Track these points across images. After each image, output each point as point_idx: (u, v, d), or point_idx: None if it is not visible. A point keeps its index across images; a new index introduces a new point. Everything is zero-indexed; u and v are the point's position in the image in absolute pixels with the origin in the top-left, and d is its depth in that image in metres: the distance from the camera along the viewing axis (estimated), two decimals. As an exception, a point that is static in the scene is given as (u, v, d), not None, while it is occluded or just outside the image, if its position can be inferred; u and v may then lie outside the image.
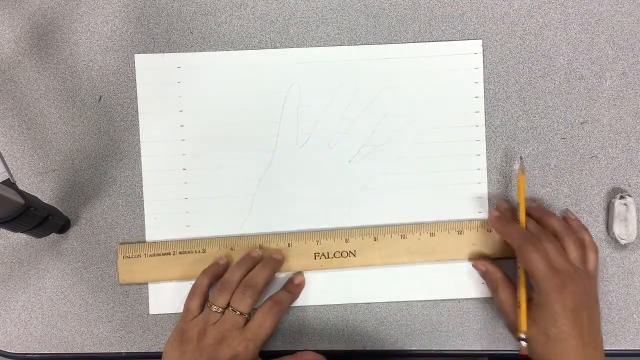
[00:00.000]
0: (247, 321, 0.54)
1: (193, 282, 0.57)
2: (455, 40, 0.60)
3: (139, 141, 0.60)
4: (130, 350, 0.59)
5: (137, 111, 0.60)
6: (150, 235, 0.59)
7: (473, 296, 0.59)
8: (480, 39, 0.60)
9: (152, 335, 0.59)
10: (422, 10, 0.60)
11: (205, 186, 0.60)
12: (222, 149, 0.60)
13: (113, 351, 0.59)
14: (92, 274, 0.59)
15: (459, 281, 0.59)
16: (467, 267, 0.59)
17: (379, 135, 0.60)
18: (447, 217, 0.59)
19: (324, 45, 0.60)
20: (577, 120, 0.60)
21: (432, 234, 0.59)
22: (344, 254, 0.59)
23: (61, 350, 0.59)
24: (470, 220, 0.59)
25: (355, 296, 0.59)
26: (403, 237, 0.58)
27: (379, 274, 0.59)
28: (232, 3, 0.60)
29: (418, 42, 0.60)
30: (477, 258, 0.58)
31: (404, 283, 0.59)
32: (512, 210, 0.58)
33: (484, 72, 0.60)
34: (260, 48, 0.60)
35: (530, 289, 0.54)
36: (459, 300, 0.59)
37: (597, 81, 0.60)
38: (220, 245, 0.59)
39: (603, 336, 0.54)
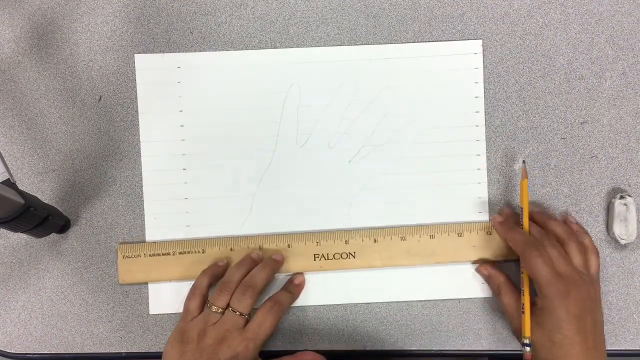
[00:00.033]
0: (246, 321, 0.54)
1: (193, 282, 0.57)
2: (455, 40, 0.60)
3: (139, 141, 0.60)
4: (130, 350, 0.59)
5: (137, 111, 0.60)
6: (150, 235, 0.59)
7: (473, 296, 0.59)
8: (480, 39, 0.60)
9: (152, 335, 0.59)
10: (422, 10, 0.60)
11: (205, 186, 0.60)
12: (222, 149, 0.60)
13: (113, 351, 0.59)
14: (92, 274, 0.59)
15: (459, 281, 0.59)
16: (467, 267, 0.59)
17: (379, 135, 0.60)
18: (447, 217, 0.59)
19: (324, 45, 0.60)
20: (577, 120, 0.60)
21: (432, 236, 0.58)
22: (344, 256, 0.59)
23: (61, 350, 0.59)
24: (470, 223, 0.59)
25: (355, 296, 0.59)
26: (403, 239, 0.58)
27: (379, 274, 0.59)
28: (232, 3, 0.60)
29: (418, 42, 0.60)
30: (478, 262, 0.58)
31: (404, 283, 0.59)
32: (515, 215, 0.58)
33: (484, 72, 0.60)
34: (260, 48, 0.60)
35: (534, 293, 0.54)
36: (459, 300, 0.59)
37: (597, 81, 0.60)
38: (220, 245, 0.59)
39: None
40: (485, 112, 0.60)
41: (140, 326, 0.59)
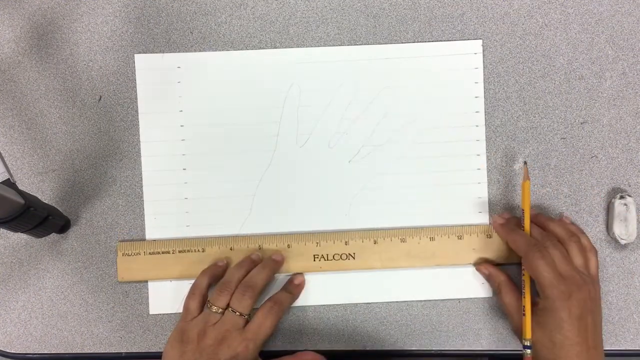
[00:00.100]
0: (246, 322, 0.54)
1: (192, 281, 0.57)
2: (455, 40, 0.60)
3: (139, 141, 0.60)
4: (130, 350, 0.59)
5: (137, 111, 0.60)
6: (150, 235, 0.59)
7: (473, 296, 0.59)
8: (480, 39, 0.60)
9: (152, 335, 0.59)
10: (422, 10, 0.60)
11: (205, 186, 0.60)
12: (222, 149, 0.60)
13: (113, 351, 0.59)
14: (92, 273, 0.59)
15: (459, 281, 0.59)
16: (467, 268, 0.59)
17: (379, 135, 0.60)
18: (447, 217, 0.59)
19: (324, 45, 0.60)
20: (577, 120, 0.60)
21: (432, 239, 0.58)
22: (344, 257, 0.59)
23: (61, 350, 0.59)
24: (470, 226, 0.59)
25: (355, 296, 0.59)
26: (403, 240, 0.58)
27: (379, 274, 0.59)
28: (232, 3, 0.60)
29: (418, 42, 0.60)
30: (479, 262, 0.58)
31: (404, 283, 0.59)
32: (516, 218, 0.58)
33: (484, 72, 0.60)
34: (260, 48, 0.60)
35: (535, 293, 0.54)
36: (459, 300, 0.59)
37: (597, 81, 0.60)
38: (219, 244, 0.59)
39: (603, 336, 0.54)
40: (485, 112, 0.60)
41: (140, 326, 0.59)
